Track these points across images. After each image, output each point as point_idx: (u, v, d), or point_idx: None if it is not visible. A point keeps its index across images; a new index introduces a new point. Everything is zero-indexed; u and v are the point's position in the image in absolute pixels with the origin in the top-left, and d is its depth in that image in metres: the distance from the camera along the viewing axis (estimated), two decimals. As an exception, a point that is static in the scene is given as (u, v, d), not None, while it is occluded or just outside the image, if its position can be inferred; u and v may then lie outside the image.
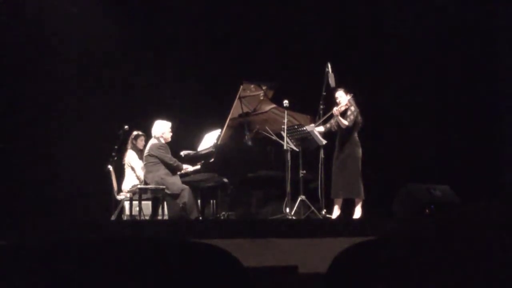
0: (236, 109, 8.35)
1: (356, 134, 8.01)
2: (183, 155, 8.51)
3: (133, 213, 8.29)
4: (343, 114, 8.02)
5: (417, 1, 9.89)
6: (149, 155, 8.14)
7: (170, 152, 8.22)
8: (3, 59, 9.26)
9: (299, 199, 7.95)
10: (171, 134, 8.36)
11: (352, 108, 8.01)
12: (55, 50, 9.56)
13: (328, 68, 7.97)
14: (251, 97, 8.41)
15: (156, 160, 8.10)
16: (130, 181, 8.65)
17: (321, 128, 8.09)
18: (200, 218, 8.17)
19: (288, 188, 7.84)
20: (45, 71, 9.50)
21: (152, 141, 8.26)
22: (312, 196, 8.08)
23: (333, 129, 8.13)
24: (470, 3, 9.74)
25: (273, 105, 8.43)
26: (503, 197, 8.76)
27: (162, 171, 8.09)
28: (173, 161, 8.16)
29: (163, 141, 8.26)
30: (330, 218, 7.83)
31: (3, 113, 9.19)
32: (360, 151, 7.96)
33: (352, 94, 8.02)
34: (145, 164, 8.20)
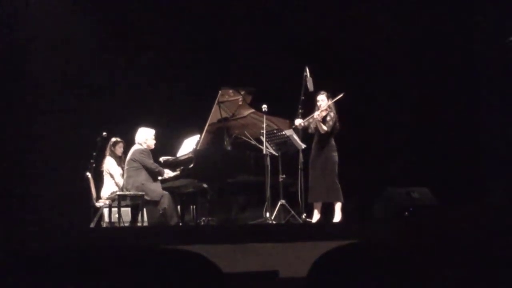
0: (215, 115, 8.34)
1: (332, 139, 8.02)
2: (162, 161, 8.48)
3: (113, 220, 8.24)
4: (323, 119, 8.03)
5: (396, 3, 9.92)
6: (132, 159, 8.12)
7: (152, 158, 8.19)
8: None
9: (279, 203, 7.94)
10: (154, 141, 8.34)
11: (332, 114, 8.02)
12: (31, 55, 9.46)
13: (306, 72, 7.98)
14: (230, 102, 8.40)
15: (138, 165, 8.07)
16: (109, 188, 8.60)
17: (300, 121, 8.02)
18: (180, 224, 8.14)
19: (268, 193, 7.84)
20: (21, 76, 9.41)
21: (135, 147, 8.24)
22: (292, 200, 8.08)
23: (310, 131, 8.12)
24: (449, 6, 9.81)
25: (252, 110, 8.43)
26: (484, 200, 8.84)
27: (143, 176, 8.05)
28: (155, 166, 8.14)
29: (146, 147, 8.25)
30: (310, 222, 7.83)
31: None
32: (336, 155, 7.98)
33: (334, 99, 8.01)
34: (126, 169, 8.16)
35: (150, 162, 8.12)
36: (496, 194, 9.03)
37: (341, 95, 7.97)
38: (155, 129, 8.46)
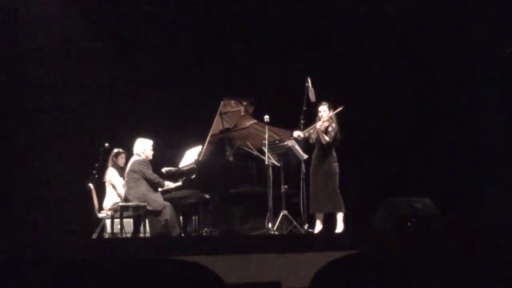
0: (217, 125, 8.35)
1: (334, 150, 8.02)
2: (164, 172, 8.48)
3: (115, 230, 8.23)
4: (325, 129, 8.03)
5: (396, 14, 9.92)
6: (131, 171, 8.12)
7: (151, 169, 8.19)
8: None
9: (281, 214, 7.94)
10: (152, 152, 8.34)
11: (334, 125, 8.03)
12: (31, 65, 9.48)
13: (308, 83, 7.98)
14: (232, 113, 8.42)
15: (138, 176, 8.07)
16: (111, 198, 8.60)
17: (299, 133, 8.02)
18: (182, 234, 8.13)
19: (270, 203, 7.83)
20: (24, 86, 9.43)
21: (134, 158, 8.25)
22: (294, 210, 8.08)
23: (311, 141, 8.13)
24: (448, 14, 9.81)
25: (254, 121, 8.44)
26: (482, 209, 8.83)
27: (144, 187, 8.05)
28: (154, 177, 8.13)
29: (144, 158, 8.25)
30: (312, 232, 7.83)
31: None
32: (337, 166, 7.97)
33: (334, 111, 8.02)
34: (127, 181, 8.17)
35: (149, 173, 8.12)
36: (496, 200, 9.04)
37: (341, 107, 7.98)
38: (157, 140, 8.48)
